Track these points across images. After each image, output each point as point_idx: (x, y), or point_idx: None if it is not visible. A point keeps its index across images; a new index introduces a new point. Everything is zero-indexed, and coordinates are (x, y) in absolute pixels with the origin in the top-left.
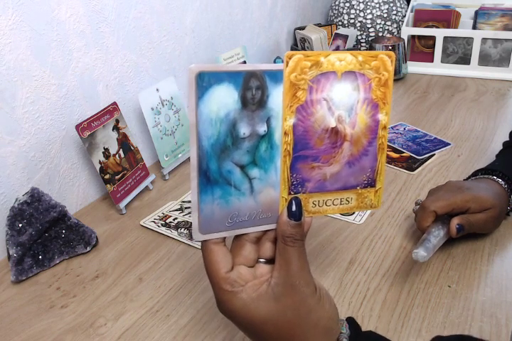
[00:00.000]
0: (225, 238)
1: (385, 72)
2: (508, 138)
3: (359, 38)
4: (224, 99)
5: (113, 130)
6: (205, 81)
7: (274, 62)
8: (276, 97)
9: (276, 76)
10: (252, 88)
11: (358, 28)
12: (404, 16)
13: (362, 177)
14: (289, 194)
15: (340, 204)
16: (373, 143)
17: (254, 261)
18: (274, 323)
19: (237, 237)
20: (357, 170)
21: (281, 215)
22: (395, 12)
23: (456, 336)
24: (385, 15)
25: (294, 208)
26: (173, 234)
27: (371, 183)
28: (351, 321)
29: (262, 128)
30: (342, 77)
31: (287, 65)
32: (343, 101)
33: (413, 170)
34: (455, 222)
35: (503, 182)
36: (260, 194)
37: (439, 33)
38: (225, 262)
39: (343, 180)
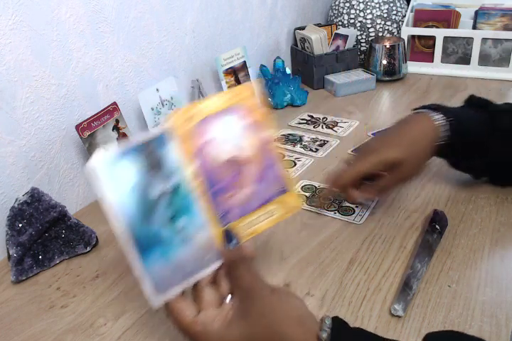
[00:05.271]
0: (182, 291)
1: (252, 98)
2: None
3: (359, 38)
4: (127, 173)
5: (113, 130)
6: (108, 163)
7: (274, 62)
8: (173, 153)
9: (164, 137)
10: (149, 155)
11: (358, 28)
12: (404, 16)
13: (275, 187)
14: (220, 227)
15: (269, 217)
16: (271, 157)
17: (219, 300)
18: (251, 337)
19: (194, 285)
20: (268, 183)
21: (221, 251)
22: (395, 12)
23: (449, 332)
24: (385, 15)
25: (229, 238)
26: None
27: (285, 189)
28: (336, 318)
29: (170, 184)
30: (219, 116)
31: (170, 124)
32: (229, 134)
33: None
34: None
35: (438, 116)
36: (195, 239)
37: (439, 33)
38: (190, 311)
39: (260, 196)
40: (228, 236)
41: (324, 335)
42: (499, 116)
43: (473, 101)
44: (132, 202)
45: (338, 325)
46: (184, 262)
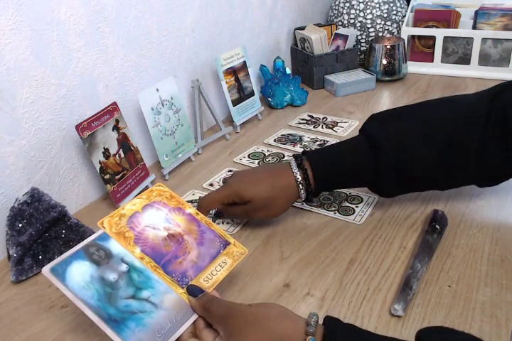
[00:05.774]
0: None
1: (167, 192)
2: None
3: (359, 38)
4: (80, 270)
5: (113, 130)
6: (59, 271)
7: (274, 61)
8: (115, 245)
9: (103, 237)
10: (94, 252)
11: (358, 28)
12: (404, 16)
13: (216, 244)
14: (182, 288)
15: (222, 267)
16: (201, 225)
17: None
18: None
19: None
20: (209, 243)
21: (191, 303)
22: (395, 12)
23: (440, 328)
24: (385, 15)
25: (195, 292)
26: None
27: (226, 243)
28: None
29: (123, 267)
30: (144, 210)
31: (105, 228)
32: (158, 220)
33: None
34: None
35: (298, 172)
36: (163, 303)
37: (439, 33)
38: None
39: (208, 254)
40: (194, 290)
41: (313, 319)
42: (384, 166)
43: (367, 133)
44: (94, 290)
45: (330, 319)
46: (161, 325)
